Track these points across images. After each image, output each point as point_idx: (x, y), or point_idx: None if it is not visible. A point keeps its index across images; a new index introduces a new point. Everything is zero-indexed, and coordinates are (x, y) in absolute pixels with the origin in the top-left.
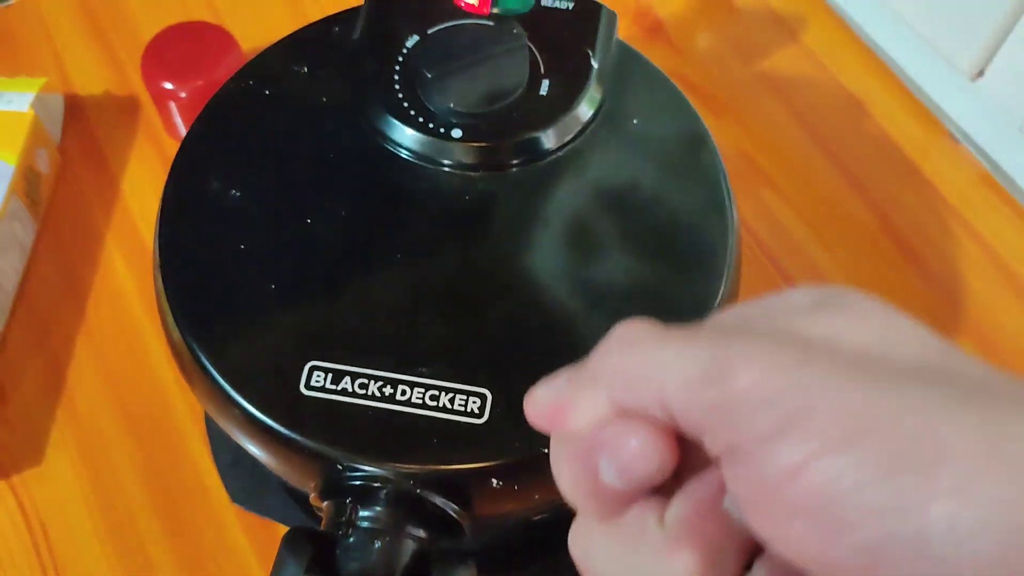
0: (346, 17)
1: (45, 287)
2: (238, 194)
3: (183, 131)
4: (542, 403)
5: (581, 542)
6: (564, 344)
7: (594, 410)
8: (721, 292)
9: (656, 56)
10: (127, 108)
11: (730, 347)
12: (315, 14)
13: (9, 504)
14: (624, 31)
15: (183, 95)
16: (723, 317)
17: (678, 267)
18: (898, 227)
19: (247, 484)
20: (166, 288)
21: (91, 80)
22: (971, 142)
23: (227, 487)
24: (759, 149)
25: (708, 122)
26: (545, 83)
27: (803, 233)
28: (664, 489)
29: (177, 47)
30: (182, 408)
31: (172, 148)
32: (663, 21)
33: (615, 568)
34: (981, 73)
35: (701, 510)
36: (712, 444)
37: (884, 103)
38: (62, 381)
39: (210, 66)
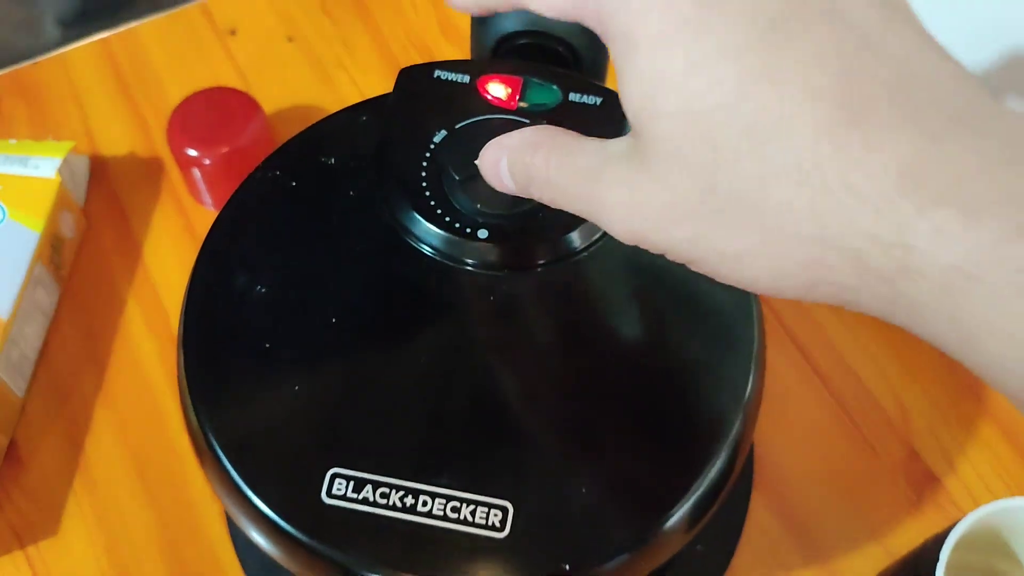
0: (374, 105)
1: (66, 352)
2: (263, 290)
3: (207, 196)
4: None
5: None
6: (588, 455)
7: None
8: (750, 384)
9: None
10: (151, 170)
11: None
12: (340, 78)
13: (24, 574)
14: None
15: (207, 162)
16: None
17: (704, 366)
18: None
19: (264, 563)
20: (190, 387)
21: (117, 141)
22: None
23: (244, 565)
24: None
25: None
26: None
27: (822, 311)
28: None
29: (202, 114)
30: (200, 481)
31: (195, 212)
32: None
33: None
34: None
35: None
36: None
37: None
38: (80, 449)
39: (234, 133)
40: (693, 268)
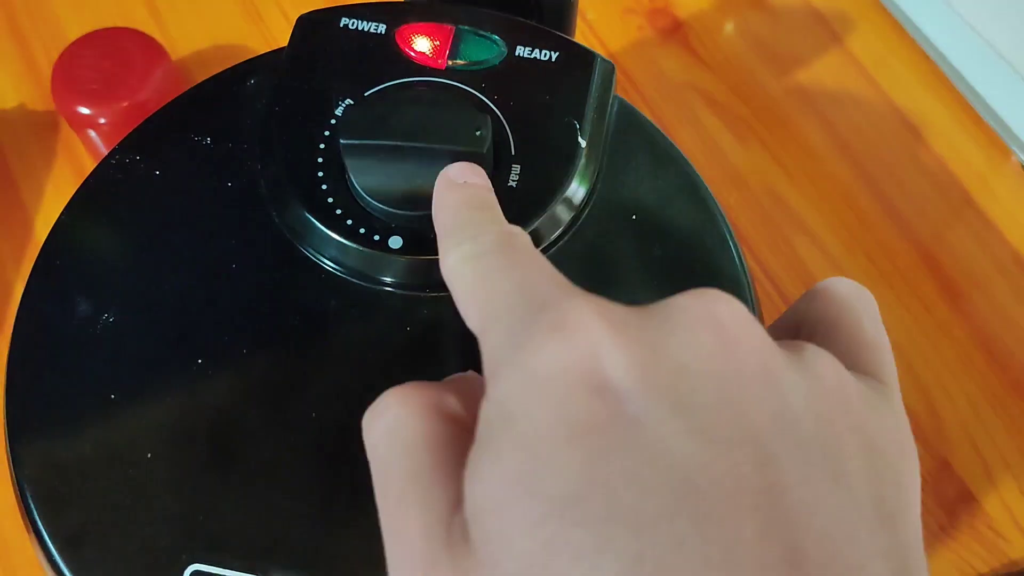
0: (267, 64)
1: None
2: (112, 320)
3: None
4: None
5: None
6: None
7: None
8: None
9: (672, 65)
10: (46, 128)
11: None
12: (271, 14)
13: None
14: (635, 33)
15: (103, 121)
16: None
17: None
18: (946, 268)
19: None
20: (14, 459)
21: (4, 92)
22: None
23: None
24: (791, 183)
25: (732, 148)
26: (516, 169)
27: None
28: None
29: (92, 62)
30: None
31: None
32: (683, 22)
33: None
34: None
35: None
36: None
37: (944, 126)
38: None
39: (135, 85)
40: None
